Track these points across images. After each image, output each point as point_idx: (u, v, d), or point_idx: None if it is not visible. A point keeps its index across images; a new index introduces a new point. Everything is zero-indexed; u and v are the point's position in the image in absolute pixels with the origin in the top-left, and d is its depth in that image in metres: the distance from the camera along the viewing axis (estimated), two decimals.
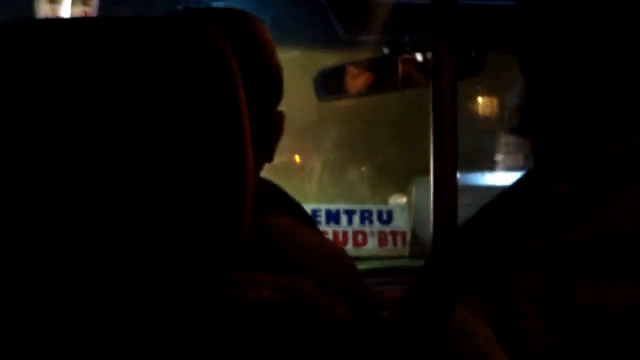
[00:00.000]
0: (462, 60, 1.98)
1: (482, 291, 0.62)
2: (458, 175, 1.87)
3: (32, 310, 0.76)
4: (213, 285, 0.78)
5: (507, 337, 0.59)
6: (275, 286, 0.79)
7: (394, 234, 3.23)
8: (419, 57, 2.40)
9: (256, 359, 0.77)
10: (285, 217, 1.02)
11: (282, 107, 1.13)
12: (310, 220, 1.12)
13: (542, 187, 0.67)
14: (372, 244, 3.21)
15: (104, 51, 0.77)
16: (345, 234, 3.22)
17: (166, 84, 0.77)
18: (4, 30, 0.78)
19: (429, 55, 1.92)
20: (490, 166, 3.68)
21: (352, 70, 2.53)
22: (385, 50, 3.27)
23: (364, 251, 3.20)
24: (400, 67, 2.44)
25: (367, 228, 3.22)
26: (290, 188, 1.14)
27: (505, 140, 3.66)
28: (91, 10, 2.10)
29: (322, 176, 3.65)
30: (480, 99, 3.69)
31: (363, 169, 3.75)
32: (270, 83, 1.11)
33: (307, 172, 3.65)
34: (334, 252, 1.05)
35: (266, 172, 1.15)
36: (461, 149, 1.83)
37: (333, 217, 3.22)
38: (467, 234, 0.68)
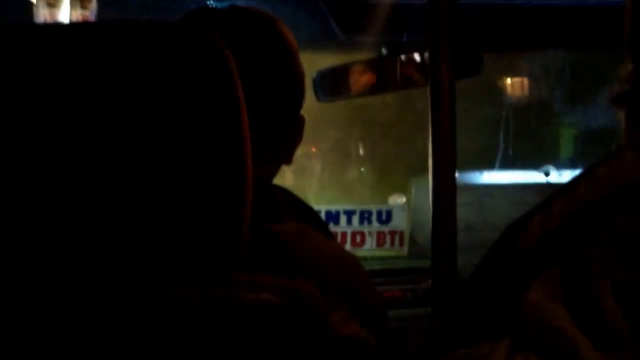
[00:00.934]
0: (460, 59, 1.98)
1: (555, 271, 0.63)
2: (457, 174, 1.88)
3: (31, 310, 0.76)
4: (212, 286, 0.78)
5: (583, 316, 0.60)
6: (274, 288, 0.80)
7: (392, 233, 3.23)
8: (417, 57, 2.40)
9: None
10: (294, 222, 1.02)
11: None
12: (323, 226, 1.11)
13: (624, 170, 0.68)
14: (370, 244, 3.21)
15: (103, 56, 0.77)
16: (344, 234, 3.22)
17: (165, 86, 0.77)
18: (3, 35, 0.78)
19: (427, 55, 1.92)
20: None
21: (350, 70, 2.54)
22: (384, 51, 3.27)
23: (362, 251, 3.20)
24: (398, 68, 2.44)
25: (365, 228, 3.22)
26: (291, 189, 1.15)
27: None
28: (90, 14, 2.10)
29: (322, 177, 3.65)
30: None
31: (362, 169, 3.75)
32: (294, 89, 1.11)
33: (306, 172, 3.65)
34: (343, 258, 1.04)
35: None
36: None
37: (332, 217, 3.22)
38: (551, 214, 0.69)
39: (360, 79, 2.51)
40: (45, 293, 0.76)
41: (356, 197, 3.63)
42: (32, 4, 2.07)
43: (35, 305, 0.76)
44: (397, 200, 3.34)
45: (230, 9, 1.11)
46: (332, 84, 2.56)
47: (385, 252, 3.21)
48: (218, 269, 0.79)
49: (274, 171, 1.12)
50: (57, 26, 0.92)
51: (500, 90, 3.75)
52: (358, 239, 3.22)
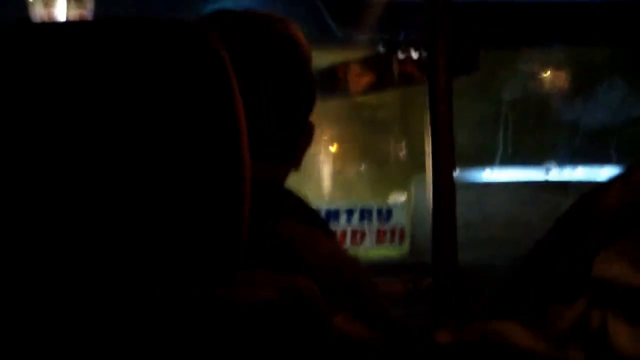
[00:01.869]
0: (457, 57, 1.99)
1: (632, 237, 0.64)
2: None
3: (31, 311, 0.76)
4: (212, 285, 0.78)
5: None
6: (275, 286, 0.80)
7: (392, 231, 3.23)
8: (414, 54, 2.40)
9: (255, 359, 0.77)
10: (295, 223, 1.02)
11: None
12: (325, 227, 1.12)
13: None
14: (370, 242, 3.22)
15: (98, 54, 0.77)
16: (344, 232, 3.22)
17: (163, 87, 0.77)
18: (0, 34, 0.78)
19: (424, 52, 1.92)
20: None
21: (348, 69, 2.54)
22: (381, 49, 3.28)
23: (361, 249, 3.20)
24: (396, 65, 2.44)
25: (365, 226, 3.22)
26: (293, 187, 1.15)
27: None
28: (86, 12, 2.10)
29: (322, 175, 3.65)
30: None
31: (362, 167, 3.75)
32: (304, 93, 1.12)
33: (307, 171, 3.65)
34: (344, 258, 1.04)
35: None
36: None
37: (333, 216, 3.22)
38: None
39: (358, 78, 2.51)
40: (44, 294, 0.76)
41: (356, 195, 3.64)
42: (28, 2, 2.07)
43: (35, 306, 0.76)
44: (398, 197, 3.34)
45: (246, 13, 1.12)
46: (329, 82, 2.56)
47: (385, 250, 3.21)
48: (218, 268, 0.79)
49: (283, 174, 1.12)
50: (54, 26, 0.92)
51: (499, 87, 3.76)
52: (358, 237, 3.23)
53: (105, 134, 0.75)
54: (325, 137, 3.66)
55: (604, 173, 3.45)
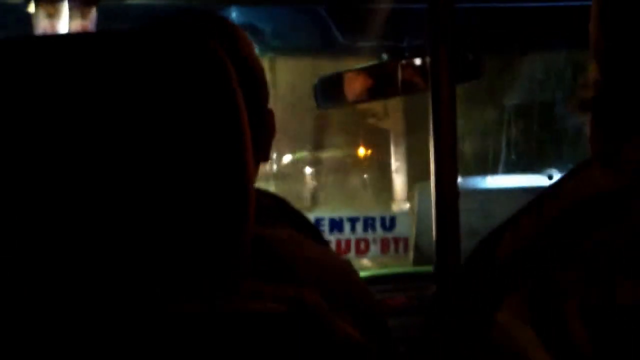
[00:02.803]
0: (460, 64, 1.98)
1: (523, 291, 0.62)
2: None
3: (30, 317, 0.76)
4: (216, 296, 0.78)
5: (550, 337, 0.59)
6: (280, 298, 0.79)
7: (396, 240, 3.22)
8: (417, 62, 2.40)
9: None
10: (286, 229, 1.01)
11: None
12: (314, 231, 1.11)
13: (585, 185, 0.67)
14: (374, 251, 3.21)
15: (103, 66, 0.77)
16: (348, 242, 3.21)
17: (167, 96, 0.77)
18: (2, 47, 0.78)
19: (428, 60, 1.92)
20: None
21: (351, 77, 2.54)
22: (385, 56, 3.28)
23: (366, 259, 3.20)
24: (399, 73, 2.44)
25: (369, 235, 3.21)
26: (292, 197, 1.14)
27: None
28: (89, 24, 2.11)
29: (326, 184, 3.65)
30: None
31: (366, 176, 3.75)
32: (255, 82, 1.11)
33: (310, 180, 3.65)
34: (338, 264, 1.03)
35: (267, 181, 1.14)
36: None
37: (336, 225, 3.21)
38: (505, 235, 0.68)
39: (361, 86, 2.51)
40: (45, 301, 0.76)
41: (359, 204, 3.63)
42: (31, 14, 2.07)
43: (35, 312, 0.76)
44: (402, 206, 3.34)
45: (188, 13, 1.12)
46: (333, 91, 2.56)
47: (390, 259, 3.20)
48: (220, 279, 0.79)
49: (255, 168, 1.11)
50: (56, 37, 0.92)
51: (502, 93, 3.75)
52: (362, 246, 3.22)
53: (109, 141, 0.76)
54: (328, 145, 3.66)
55: None
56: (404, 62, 2.41)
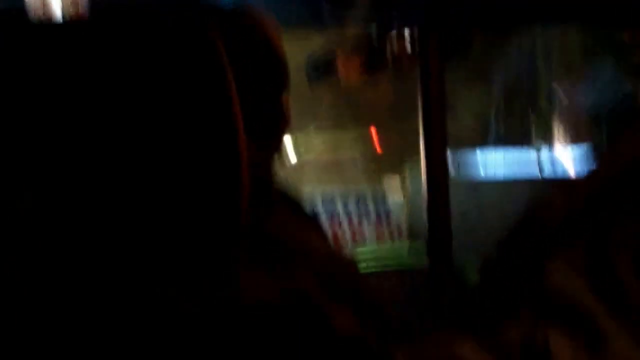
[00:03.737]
0: (449, 40, 1.99)
1: (578, 246, 0.64)
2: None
3: (31, 311, 0.76)
4: (216, 286, 0.79)
5: (602, 287, 0.62)
6: (278, 288, 0.80)
7: (389, 220, 3.21)
8: (407, 34, 2.39)
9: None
10: (286, 215, 1.01)
11: None
12: (312, 217, 1.11)
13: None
14: (369, 233, 3.20)
15: (97, 51, 0.77)
16: (341, 223, 3.20)
17: (161, 81, 0.77)
18: None
19: (417, 33, 1.92)
20: None
21: (341, 53, 2.53)
22: (373, 31, 3.26)
23: (360, 241, 3.19)
24: (388, 47, 2.43)
25: (363, 216, 3.20)
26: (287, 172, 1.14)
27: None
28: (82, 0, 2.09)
29: (319, 160, 3.63)
30: None
31: (358, 154, 3.72)
32: (271, 70, 1.10)
33: (302, 156, 3.63)
34: (335, 254, 1.04)
35: None
36: None
37: (329, 203, 3.20)
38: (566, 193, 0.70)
39: (351, 61, 2.50)
40: (46, 294, 0.76)
41: (352, 182, 3.62)
42: None
43: (35, 306, 0.76)
44: (394, 185, 3.33)
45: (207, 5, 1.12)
46: (323, 67, 2.55)
47: (384, 242, 3.19)
48: (217, 268, 0.79)
49: (268, 159, 1.11)
50: (53, 26, 0.92)
51: (491, 70, 3.74)
52: (356, 225, 3.20)
53: (102, 129, 0.76)
54: (320, 123, 3.65)
55: (595, 153, 3.46)
56: (392, 37, 2.41)
